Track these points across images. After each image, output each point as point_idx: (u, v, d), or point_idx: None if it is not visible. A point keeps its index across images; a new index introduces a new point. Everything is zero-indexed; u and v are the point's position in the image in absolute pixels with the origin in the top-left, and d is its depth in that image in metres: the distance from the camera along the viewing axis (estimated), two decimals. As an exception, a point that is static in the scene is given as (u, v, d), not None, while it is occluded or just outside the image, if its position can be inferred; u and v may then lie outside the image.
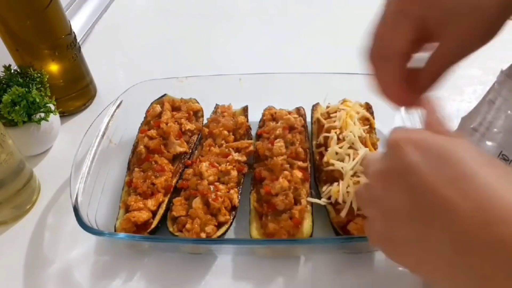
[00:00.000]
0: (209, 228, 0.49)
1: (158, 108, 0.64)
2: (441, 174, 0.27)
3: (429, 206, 0.27)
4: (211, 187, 0.52)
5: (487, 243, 0.24)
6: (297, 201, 0.51)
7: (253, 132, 0.62)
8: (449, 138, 0.29)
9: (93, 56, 0.79)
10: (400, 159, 0.29)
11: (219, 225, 0.51)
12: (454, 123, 0.66)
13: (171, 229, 0.51)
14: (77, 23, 0.96)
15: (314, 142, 0.60)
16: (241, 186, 0.55)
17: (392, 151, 0.30)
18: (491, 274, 0.25)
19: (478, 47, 0.38)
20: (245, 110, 0.65)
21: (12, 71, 0.65)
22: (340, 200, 0.50)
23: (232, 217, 0.52)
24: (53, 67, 0.70)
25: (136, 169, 0.57)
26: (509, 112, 0.43)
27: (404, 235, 0.29)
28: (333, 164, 0.53)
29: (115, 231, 0.51)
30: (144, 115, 0.65)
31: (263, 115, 0.64)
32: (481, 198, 0.25)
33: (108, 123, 0.62)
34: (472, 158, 0.27)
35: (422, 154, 0.28)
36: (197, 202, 0.51)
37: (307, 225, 0.50)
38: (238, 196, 0.53)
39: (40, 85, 0.64)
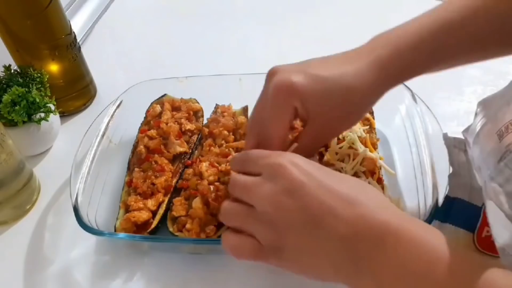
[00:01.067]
0: (209, 228, 0.49)
1: (158, 108, 0.64)
2: (320, 187, 0.34)
3: (316, 212, 0.33)
4: (211, 187, 0.52)
5: (355, 222, 0.32)
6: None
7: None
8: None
9: (93, 56, 0.79)
10: (288, 177, 0.34)
11: (219, 225, 0.51)
12: (452, 125, 0.66)
13: (171, 229, 0.51)
14: (77, 23, 0.96)
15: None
16: (241, 186, 0.55)
17: (277, 171, 0.35)
18: (362, 250, 0.32)
19: (344, 130, 0.46)
20: (245, 110, 0.65)
21: (12, 71, 0.65)
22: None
23: (232, 217, 0.52)
24: (53, 67, 0.70)
25: (136, 169, 0.57)
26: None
27: (296, 242, 0.34)
28: (333, 164, 0.53)
29: (115, 231, 0.51)
30: (144, 115, 0.65)
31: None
32: (352, 200, 0.33)
33: (108, 123, 0.62)
34: (334, 174, 0.37)
35: (304, 173, 0.34)
36: (197, 202, 0.51)
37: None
38: (238, 196, 0.53)
39: (40, 85, 0.64)
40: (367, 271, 0.32)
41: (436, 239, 0.32)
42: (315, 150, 0.46)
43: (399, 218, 0.33)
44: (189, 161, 0.58)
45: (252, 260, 0.37)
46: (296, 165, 0.35)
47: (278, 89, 0.40)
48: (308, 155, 0.41)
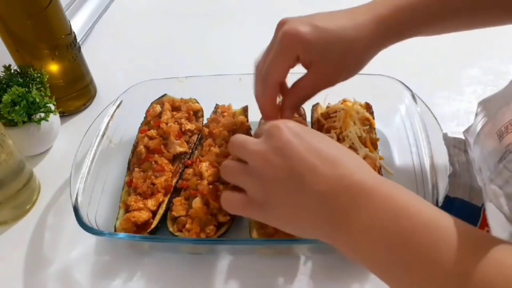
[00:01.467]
0: (209, 228, 0.49)
1: (158, 108, 0.64)
2: (307, 148, 0.37)
3: (300, 169, 0.36)
4: (211, 187, 0.52)
5: (335, 181, 0.35)
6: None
7: (253, 132, 0.62)
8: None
9: (93, 56, 0.79)
10: (279, 137, 0.37)
11: (219, 225, 0.51)
12: (452, 125, 0.66)
13: (171, 229, 0.51)
14: (77, 23, 0.96)
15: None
16: (241, 186, 0.55)
17: (272, 132, 0.38)
18: (337, 206, 0.34)
19: (341, 81, 0.49)
20: (245, 110, 0.65)
21: (12, 71, 0.65)
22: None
23: (232, 217, 0.52)
24: (53, 67, 0.70)
25: (136, 169, 0.57)
26: None
27: (280, 196, 0.37)
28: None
29: (115, 231, 0.51)
30: (144, 115, 0.65)
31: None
32: (333, 161, 0.36)
33: (108, 123, 0.62)
34: (322, 136, 0.40)
35: (295, 134, 0.38)
36: (197, 202, 0.51)
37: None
38: (238, 196, 0.53)
39: (40, 85, 0.64)
40: (341, 226, 0.34)
41: (413, 200, 0.34)
42: (310, 96, 0.50)
43: (375, 179, 0.35)
44: (189, 161, 0.58)
45: (241, 212, 0.41)
46: (288, 127, 0.38)
47: (285, 37, 0.45)
48: (302, 99, 0.49)
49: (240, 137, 0.42)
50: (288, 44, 0.45)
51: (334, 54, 0.45)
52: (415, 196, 0.34)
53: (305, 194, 0.36)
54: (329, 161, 0.36)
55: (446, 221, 0.31)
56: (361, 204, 0.34)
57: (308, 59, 0.46)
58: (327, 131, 0.57)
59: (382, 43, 0.47)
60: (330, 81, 0.49)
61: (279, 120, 0.40)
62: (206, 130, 0.61)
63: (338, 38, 0.44)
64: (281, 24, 0.47)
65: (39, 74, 0.64)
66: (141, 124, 0.64)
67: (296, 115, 0.55)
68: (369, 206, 0.33)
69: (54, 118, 0.66)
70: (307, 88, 0.48)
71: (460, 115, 0.68)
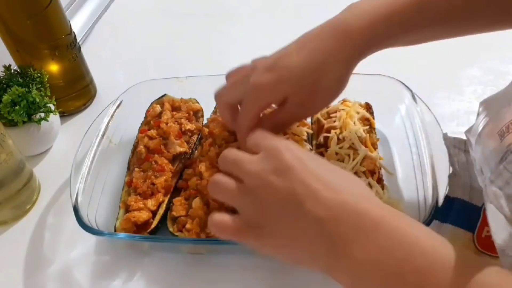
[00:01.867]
0: (209, 228, 0.49)
1: (158, 108, 0.64)
2: (310, 173, 0.35)
3: (302, 194, 0.34)
4: (211, 187, 0.52)
5: (338, 208, 0.33)
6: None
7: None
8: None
9: (93, 56, 0.79)
10: (281, 159, 0.36)
11: (219, 225, 0.51)
12: (452, 125, 0.66)
13: (171, 229, 0.51)
14: (77, 23, 0.96)
15: (314, 142, 0.60)
16: (241, 186, 0.55)
17: (272, 153, 0.37)
18: (339, 234, 0.32)
19: (322, 108, 0.50)
20: (245, 110, 0.65)
21: (12, 71, 0.65)
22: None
23: (232, 217, 0.52)
24: (53, 67, 0.70)
25: (136, 169, 0.57)
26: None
27: (279, 220, 0.35)
28: (333, 164, 0.53)
29: (115, 231, 0.51)
30: (144, 115, 0.65)
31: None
32: (336, 188, 0.34)
33: (108, 123, 0.62)
34: (324, 162, 0.38)
35: (297, 158, 0.36)
36: (197, 202, 0.51)
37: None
38: (238, 196, 0.53)
39: (40, 85, 0.64)
40: (343, 256, 0.32)
41: (421, 232, 0.32)
42: (288, 125, 0.50)
43: (382, 209, 0.33)
44: (189, 161, 0.58)
45: (233, 238, 0.37)
46: (290, 150, 0.37)
47: (254, 91, 0.46)
48: (280, 129, 0.49)
49: (234, 152, 0.39)
50: (258, 96, 0.46)
51: (306, 88, 0.45)
52: (425, 230, 0.32)
53: (305, 220, 0.33)
54: (332, 187, 0.34)
55: (462, 256, 0.30)
56: (368, 234, 0.31)
57: (281, 99, 0.46)
58: (327, 131, 0.57)
59: (353, 61, 0.45)
60: (308, 112, 0.49)
61: (279, 139, 0.38)
62: (206, 130, 0.61)
63: (306, 71, 0.44)
64: (248, 71, 0.47)
65: (39, 74, 0.64)
66: (141, 124, 0.64)
67: (292, 131, 0.56)
68: (377, 237, 0.31)
69: (54, 118, 0.66)
70: (285, 119, 0.48)
71: (460, 115, 0.68)
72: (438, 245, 0.31)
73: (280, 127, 0.50)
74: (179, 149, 0.59)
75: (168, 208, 0.54)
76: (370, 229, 0.32)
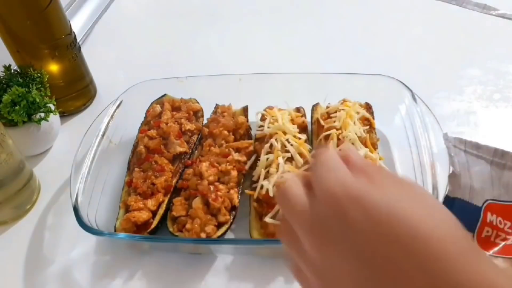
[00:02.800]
0: (209, 228, 0.49)
1: (158, 108, 0.64)
2: (391, 241, 0.22)
3: (386, 279, 0.23)
4: (211, 187, 0.52)
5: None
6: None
7: (253, 132, 0.62)
8: (396, 188, 0.25)
9: (93, 56, 0.79)
10: (340, 218, 0.24)
11: (219, 225, 0.51)
12: (452, 125, 0.66)
13: (171, 229, 0.51)
14: (77, 23, 0.96)
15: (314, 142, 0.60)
16: (241, 186, 0.55)
17: (329, 203, 0.25)
18: None
19: None
20: (245, 110, 0.65)
21: (12, 71, 0.65)
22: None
23: (232, 217, 0.52)
24: (53, 67, 0.70)
25: (136, 169, 0.57)
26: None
27: None
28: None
29: (115, 231, 0.51)
30: (144, 115, 0.65)
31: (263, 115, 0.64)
32: (435, 272, 0.22)
33: (108, 123, 0.62)
34: (423, 218, 0.23)
35: (367, 214, 0.23)
36: (197, 202, 0.51)
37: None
38: (238, 196, 0.53)
39: (40, 85, 0.64)
40: None
41: None
42: None
43: (486, 274, 0.22)
44: (189, 161, 0.58)
45: (282, 238, 0.29)
46: (358, 201, 0.24)
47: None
48: None
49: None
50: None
51: None
52: None
53: None
54: (426, 264, 0.22)
55: None
56: None
57: None
58: (327, 131, 0.57)
59: None
60: None
61: (338, 178, 0.25)
62: (206, 130, 0.61)
63: None
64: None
65: (39, 74, 0.64)
66: (141, 124, 0.64)
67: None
68: None
69: (54, 118, 0.66)
70: None
71: (460, 115, 0.68)
72: None
73: None
74: (179, 149, 0.59)
75: (168, 208, 0.54)
76: None
